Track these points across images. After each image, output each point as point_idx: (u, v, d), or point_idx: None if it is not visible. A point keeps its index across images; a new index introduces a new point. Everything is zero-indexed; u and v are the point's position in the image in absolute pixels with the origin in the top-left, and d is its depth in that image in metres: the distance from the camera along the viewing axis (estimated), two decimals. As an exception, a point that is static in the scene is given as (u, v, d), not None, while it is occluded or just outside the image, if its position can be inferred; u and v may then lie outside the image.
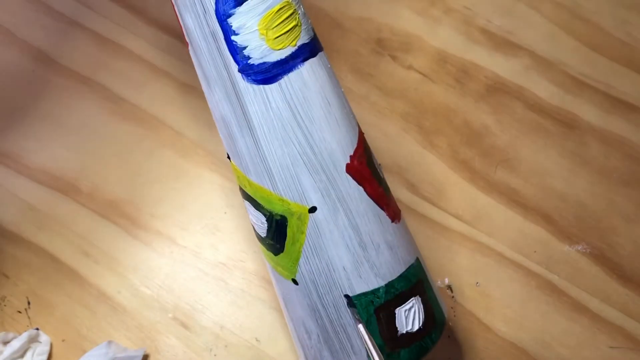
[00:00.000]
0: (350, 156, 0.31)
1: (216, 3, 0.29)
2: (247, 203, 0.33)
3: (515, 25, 0.52)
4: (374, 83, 0.50)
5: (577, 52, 0.51)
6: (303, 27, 0.30)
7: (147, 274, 0.43)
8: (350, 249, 0.31)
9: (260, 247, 0.35)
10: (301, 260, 0.32)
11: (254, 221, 0.33)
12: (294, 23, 0.29)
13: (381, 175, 0.34)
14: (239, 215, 0.45)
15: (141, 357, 0.40)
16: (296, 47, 0.29)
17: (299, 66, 0.30)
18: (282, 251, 0.32)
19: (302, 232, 0.31)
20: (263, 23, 0.29)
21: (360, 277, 0.31)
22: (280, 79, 0.29)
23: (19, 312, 0.43)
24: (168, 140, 0.47)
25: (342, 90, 0.33)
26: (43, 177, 0.46)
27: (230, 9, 0.29)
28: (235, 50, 0.30)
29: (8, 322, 0.42)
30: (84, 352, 0.41)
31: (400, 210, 0.34)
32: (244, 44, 0.29)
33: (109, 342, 0.40)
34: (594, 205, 0.46)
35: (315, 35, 0.32)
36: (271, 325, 0.42)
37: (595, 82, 0.50)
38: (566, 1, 0.53)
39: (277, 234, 0.32)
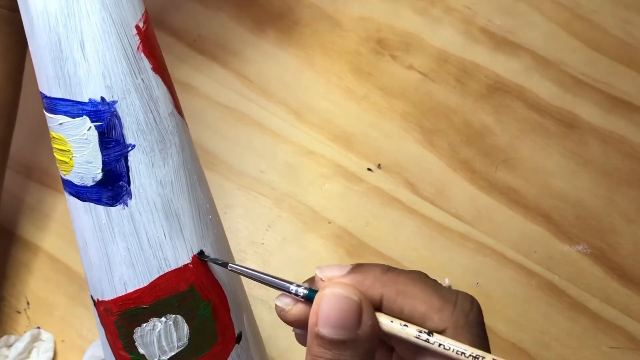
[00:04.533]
0: (99, 300, 0.28)
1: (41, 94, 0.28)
2: None
3: (516, 25, 0.52)
4: (374, 83, 0.50)
5: (577, 52, 0.51)
6: (76, 170, 0.27)
7: (147, 274, 0.43)
8: None
9: None
10: None
11: None
12: (62, 158, 0.28)
13: (149, 340, 0.28)
14: (238, 215, 0.45)
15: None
16: (64, 178, 0.28)
17: (67, 194, 0.28)
18: None
19: None
20: (51, 136, 0.28)
21: None
22: (66, 191, 0.29)
23: (18, 312, 0.43)
24: (168, 140, 0.47)
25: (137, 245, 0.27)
26: (43, 177, 0.46)
27: (44, 108, 0.28)
28: None
29: (7, 323, 0.42)
30: (84, 352, 0.41)
31: None
32: None
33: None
34: (594, 205, 0.46)
35: (104, 187, 0.27)
36: (271, 326, 0.42)
37: (595, 81, 0.50)
38: (566, 1, 0.53)
39: None
